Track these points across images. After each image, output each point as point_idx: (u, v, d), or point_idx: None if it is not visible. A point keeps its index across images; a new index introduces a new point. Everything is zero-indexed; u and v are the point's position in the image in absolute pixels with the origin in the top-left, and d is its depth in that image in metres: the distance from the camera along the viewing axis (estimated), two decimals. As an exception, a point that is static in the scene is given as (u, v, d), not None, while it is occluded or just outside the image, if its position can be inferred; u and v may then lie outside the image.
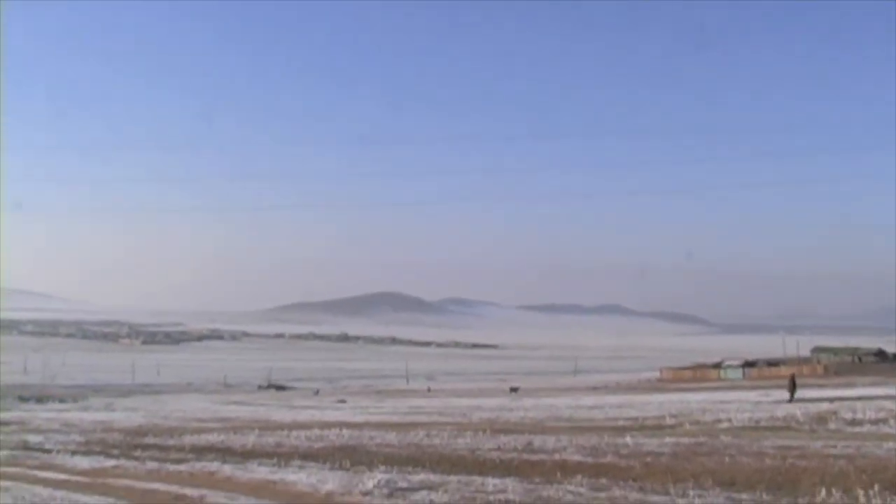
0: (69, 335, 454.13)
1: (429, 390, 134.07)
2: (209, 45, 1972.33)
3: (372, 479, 18.90)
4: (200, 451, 28.66)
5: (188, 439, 34.50)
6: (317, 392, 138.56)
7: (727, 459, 23.32)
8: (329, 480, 19.26)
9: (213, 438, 34.70)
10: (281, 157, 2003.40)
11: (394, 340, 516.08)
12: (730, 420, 39.00)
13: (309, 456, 26.65)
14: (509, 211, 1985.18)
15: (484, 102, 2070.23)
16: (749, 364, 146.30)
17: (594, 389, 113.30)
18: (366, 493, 17.70)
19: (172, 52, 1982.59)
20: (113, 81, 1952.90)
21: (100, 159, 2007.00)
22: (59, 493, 17.57)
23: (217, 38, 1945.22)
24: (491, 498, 16.82)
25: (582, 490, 17.57)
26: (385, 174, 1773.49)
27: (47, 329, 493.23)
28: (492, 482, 18.73)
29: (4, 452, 29.08)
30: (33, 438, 35.79)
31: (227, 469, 22.34)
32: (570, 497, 16.68)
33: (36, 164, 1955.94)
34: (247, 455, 27.31)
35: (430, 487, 18.14)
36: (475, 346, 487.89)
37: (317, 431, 37.55)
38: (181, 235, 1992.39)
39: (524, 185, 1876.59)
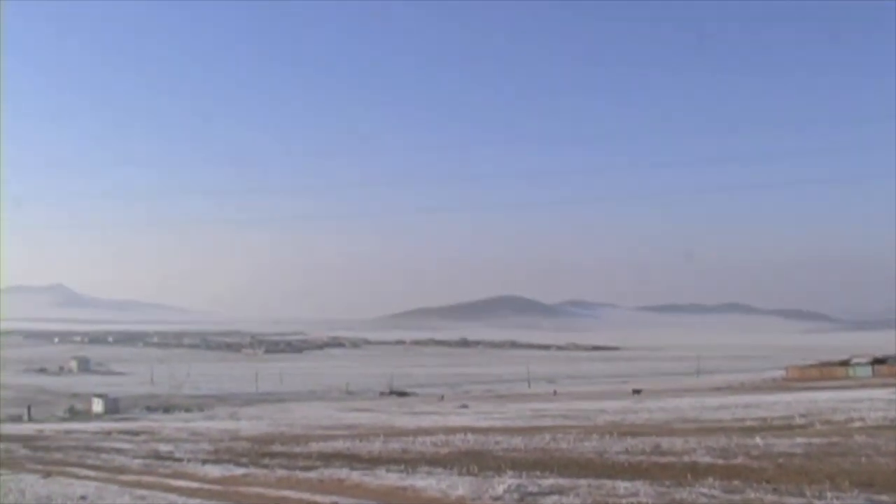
0: (193, 346, 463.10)
1: (554, 393, 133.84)
2: (356, 52, 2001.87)
3: (501, 484, 18.79)
4: (328, 458, 28.88)
5: (315, 446, 34.82)
6: (442, 398, 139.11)
7: (864, 460, 22.65)
8: (458, 486, 19.19)
9: (339, 445, 34.97)
10: (400, 163, 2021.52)
11: (513, 344, 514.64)
12: (863, 419, 37.97)
13: (436, 461, 26.65)
14: (627, 212, 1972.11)
15: (598, 104, 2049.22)
16: (878, 361, 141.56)
17: (718, 390, 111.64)
18: (496, 499, 17.59)
19: (315, 59, 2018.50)
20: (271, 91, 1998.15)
21: (226, 172, 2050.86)
22: (194, 502, 17.84)
23: (375, 43, 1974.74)
24: (623, 502, 16.57)
25: (715, 492, 17.18)
26: (501, 176, 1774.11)
27: (172, 340, 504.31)
28: (622, 486, 18.47)
29: (138, 461, 29.67)
30: (163, 447, 36.49)
31: (356, 476, 22.44)
32: (703, 500, 16.34)
33: (170, 179, 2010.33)
34: (374, 461, 27.43)
35: (561, 492, 17.96)
36: (595, 348, 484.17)
37: (441, 437, 37.58)
38: (301, 245, 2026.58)
39: (641, 184, 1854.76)
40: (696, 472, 20.71)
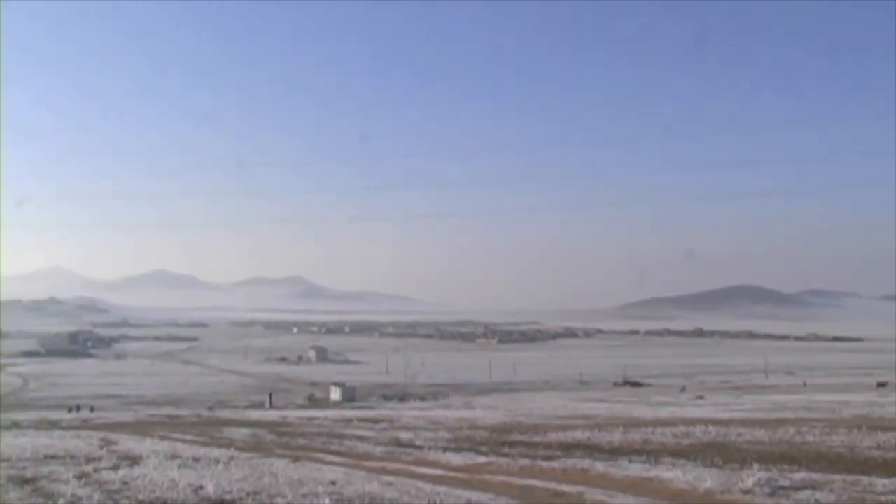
0: (428, 336, 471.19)
1: (804, 385, 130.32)
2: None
3: (751, 477, 18.30)
4: (568, 448, 28.79)
5: (553, 436, 34.76)
6: (683, 388, 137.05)
7: None
8: (706, 478, 18.81)
9: (578, 435, 34.81)
10: (638, 150, 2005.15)
11: (750, 335, 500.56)
12: None
13: (678, 453, 26.18)
14: (868, 197, 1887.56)
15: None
16: None
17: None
18: (746, 492, 17.14)
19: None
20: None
21: (439, 165, 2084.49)
22: (441, 489, 18.05)
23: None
24: (882, 500, 15.84)
25: None
26: (741, 164, 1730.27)
27: (407, 330, 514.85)
28: (880, 482, 17.67)
29: (380, 448, 30.32)
30: (403, 435, 37.16)
31: (600, 466, 22.30)
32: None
33: (402, 173, 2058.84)
34: (615, 452, 27.17)
35: (814, 486, 17.34)
36: (836, 339, 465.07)
37: (682, 428, 36.91)
38: (534, 236, 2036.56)
39: (883, 170, 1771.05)
40: (960, 469, 19.57)
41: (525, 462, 24.24)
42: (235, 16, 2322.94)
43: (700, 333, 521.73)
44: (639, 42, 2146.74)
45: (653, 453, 26.06)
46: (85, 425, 41.46)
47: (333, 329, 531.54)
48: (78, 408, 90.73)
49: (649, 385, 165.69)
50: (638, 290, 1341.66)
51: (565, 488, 18.00)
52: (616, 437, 33.42)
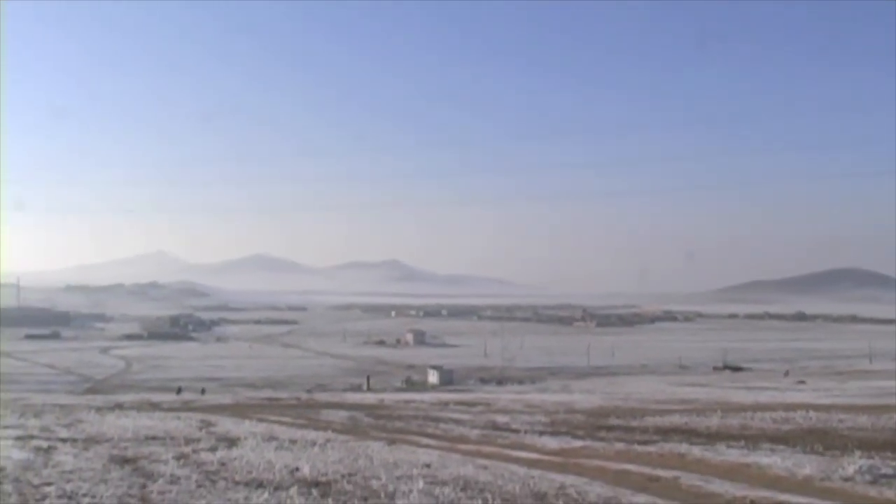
0: (525, 319, 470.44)
1: None
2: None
3: (852, 465, 17.89)
4: (665, 433, 28.52)
5: (650, 420, 34.46)
6: (786, 373, 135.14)
7: None
8: (805, 464, 18.45)
9: (675, 420, 34.47)
10: (729, 132, 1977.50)
11: (854, 318, 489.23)
12: None
13: (777, 439, 25.76)
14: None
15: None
16: None
17: None
18: (846, 479, 16.76)
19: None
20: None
21: (537, 147, 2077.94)
22: (535, 472, 17.99)
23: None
24: None
25: None
26: (842, 144, 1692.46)
27: (504, 314, 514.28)
28: None
29: (476, 431, 30.34)
30: (500, 419, 37.12)
31: (696, 451, 22.03)
32: None
33: (486, 156, 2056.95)
34: (712, 437, 26.84)
35: (918, 475, 16.93)
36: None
37: (781, 413, 36.26)
38: (630, 219, 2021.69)
39: None
40: None
41: (621, 446, 24.06)
42: (348, 11, 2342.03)
43: (802, 317, 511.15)
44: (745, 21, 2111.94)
45: (751, 438, 25.69)
46: (185, 407, 42.23)
47: (431, 312, 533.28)
48: (179, 390, 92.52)
49: (749, 369, 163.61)
50: (738, 273, 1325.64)
51: (661, 473, 17.81)
52: (714, 421, 33.00)
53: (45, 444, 20.35)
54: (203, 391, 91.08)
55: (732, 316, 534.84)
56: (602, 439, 26.65)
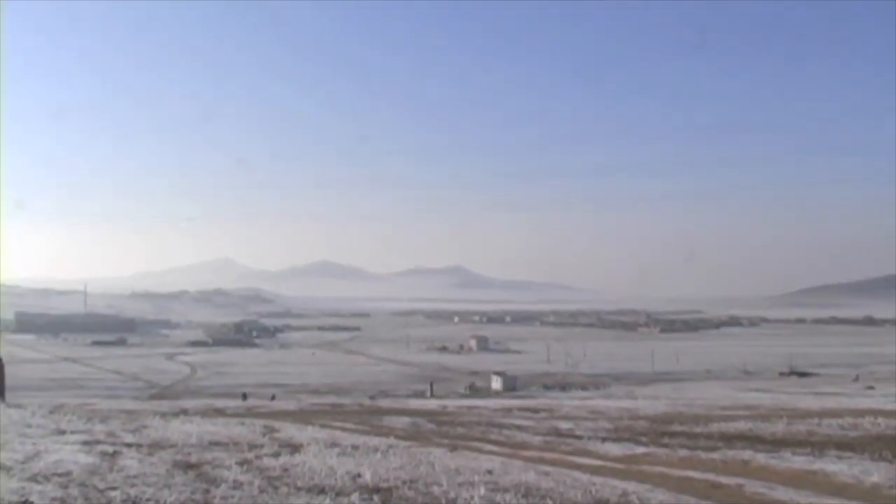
0: (588, 325, 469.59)
1: None
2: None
3: (921, 473, 17.64)
4: (729, 439, 28.21)
5: (714, 427, 34.10)
6: (856, 378, 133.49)
7: None
8: (872, 472, 18.16)
9: (740, 426, 34.08)
10: (803, 135, 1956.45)
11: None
12: None
13: (844, 445, 25.37)
14: None
15: None
16: None
17: None
18: (917, 488, 16.53)
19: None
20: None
21: (597, 153, 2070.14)
22: (598, 479, 17.87)
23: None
24: None
25: None
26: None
27: (567, 319, 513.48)
28: None
29: (538, 438, 30.23)
30: (563, 425, 36.94)
31: (761, 458, 21.78)
32: None
33: (547, 161, 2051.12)
34: (777, 443, 26.50)
35: None
36: None
37: (849, 420, 35.72)
38: (697, 223, 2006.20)
39: None
40: None
41: (684, 453, 23.85)
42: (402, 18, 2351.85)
43: (870, 322, 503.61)
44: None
45: (817, 445, 25.32)
46: (249, 413, 42.53)
47: (494, 318, 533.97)
48: (245, 395, 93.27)
49: (816, 375, 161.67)
50: (806, 277, 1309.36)
51: (724, 480, 17.64)
52: (779, 428, 32.59)
53: (110, 449, 20.55)
54: (273, 397, 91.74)
55: (799, 320, 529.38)
56: (665, 446, 26.43)
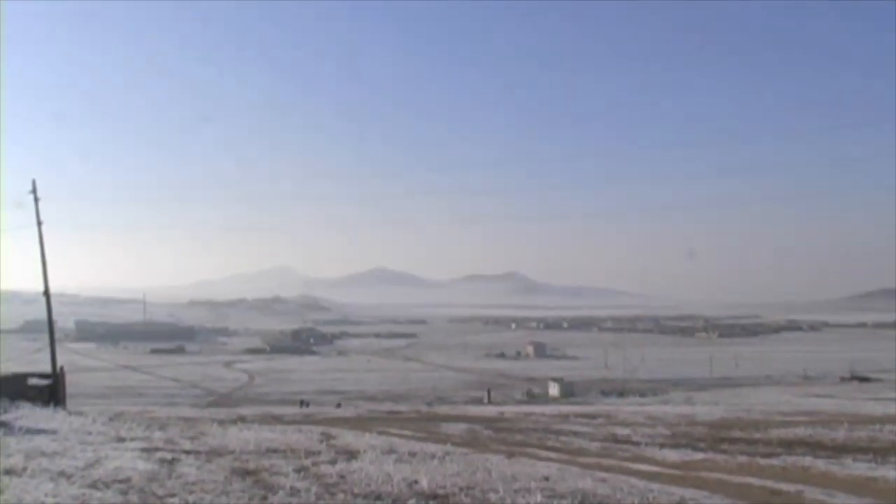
0: (646, 330, 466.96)
1: None
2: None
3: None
4: (789, 445, 27.95)
5: (774, 433, 33.78)
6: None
7: None
8: (936, 479, 17.97)
9: (800, 432, 33.74)
10: (861, 138, 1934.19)
11: None
12: None
13: (907, 451, 25.09)
14: None
15: None
16: None
17: None
18: (979, 492, 16.28)
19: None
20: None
21: (651, 159, 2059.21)
22: (655, 486, 17.80)
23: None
24: None
25: None
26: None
27: (625, 325, 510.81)
28: None
29: (596, 444, 30.13)
30: (621, 431, 36.79)
31: (821, 464, 21.57)
32: None
33: (613, 167, 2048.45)
34: (838, 450, 26.20)
35: None
36: None
37: (912, 425, 35.31)
38: (752, 227, 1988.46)
39: None
40: None
41: (743, 459, 23.66)
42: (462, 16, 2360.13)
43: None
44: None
45: (879, 452, 25.01)
46: (307, 420, 42.79)
47: (551, 324, 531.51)
48: (302, 403, 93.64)
49: (878, 380, 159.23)
50: (867, 281, 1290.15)
51: (783, 487, 17.48)
52: (840, 434, 32.20)
53: (169, 456, 20.85)
54: (339, 405, 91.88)
55: (861, 325, 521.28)
56: (724, 452, 26.23)
